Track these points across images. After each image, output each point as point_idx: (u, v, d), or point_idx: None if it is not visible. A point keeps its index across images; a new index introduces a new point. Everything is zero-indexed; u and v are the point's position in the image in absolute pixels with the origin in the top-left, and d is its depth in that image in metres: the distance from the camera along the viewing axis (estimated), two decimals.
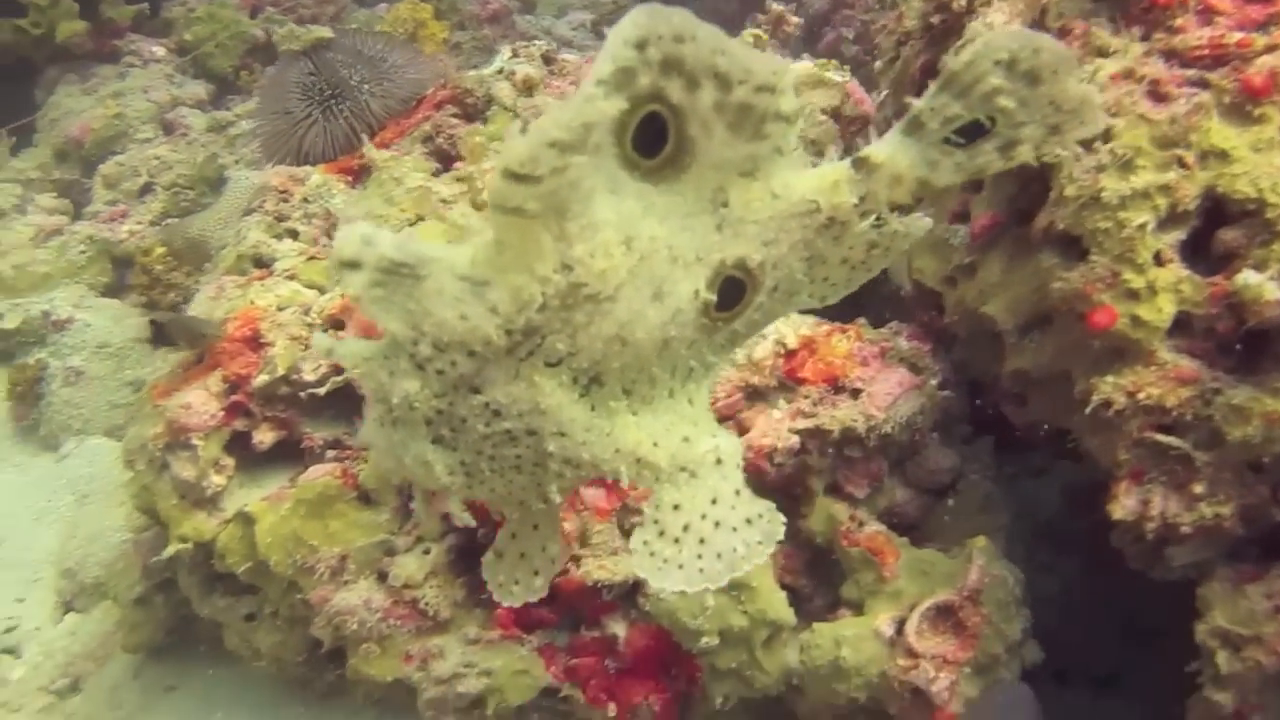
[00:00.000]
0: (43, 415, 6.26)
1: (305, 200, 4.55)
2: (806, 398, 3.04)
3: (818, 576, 3.19)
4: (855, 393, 3.03)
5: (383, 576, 3.26)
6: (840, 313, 3.25)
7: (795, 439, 2.99)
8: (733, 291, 1.74)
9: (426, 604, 3.19)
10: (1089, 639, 3.42)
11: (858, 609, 2.99)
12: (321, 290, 3.92)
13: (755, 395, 3.06)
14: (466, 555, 3.25)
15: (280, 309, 3.71)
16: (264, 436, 3.57)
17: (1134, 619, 3.46)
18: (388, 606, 3.20)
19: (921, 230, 1.86)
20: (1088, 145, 2.35)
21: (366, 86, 4.90)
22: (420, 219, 4.01)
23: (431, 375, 1.69)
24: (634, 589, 3.08)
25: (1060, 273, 2.46)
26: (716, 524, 1.78)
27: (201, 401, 3.48)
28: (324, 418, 3.63)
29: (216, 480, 3.48)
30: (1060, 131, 1.75)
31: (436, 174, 4.41)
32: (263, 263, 4.33)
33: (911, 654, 2.78)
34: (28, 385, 6.23)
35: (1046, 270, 2.52)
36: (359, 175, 4.66)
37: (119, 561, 4.34)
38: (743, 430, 3.02)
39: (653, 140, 1.57)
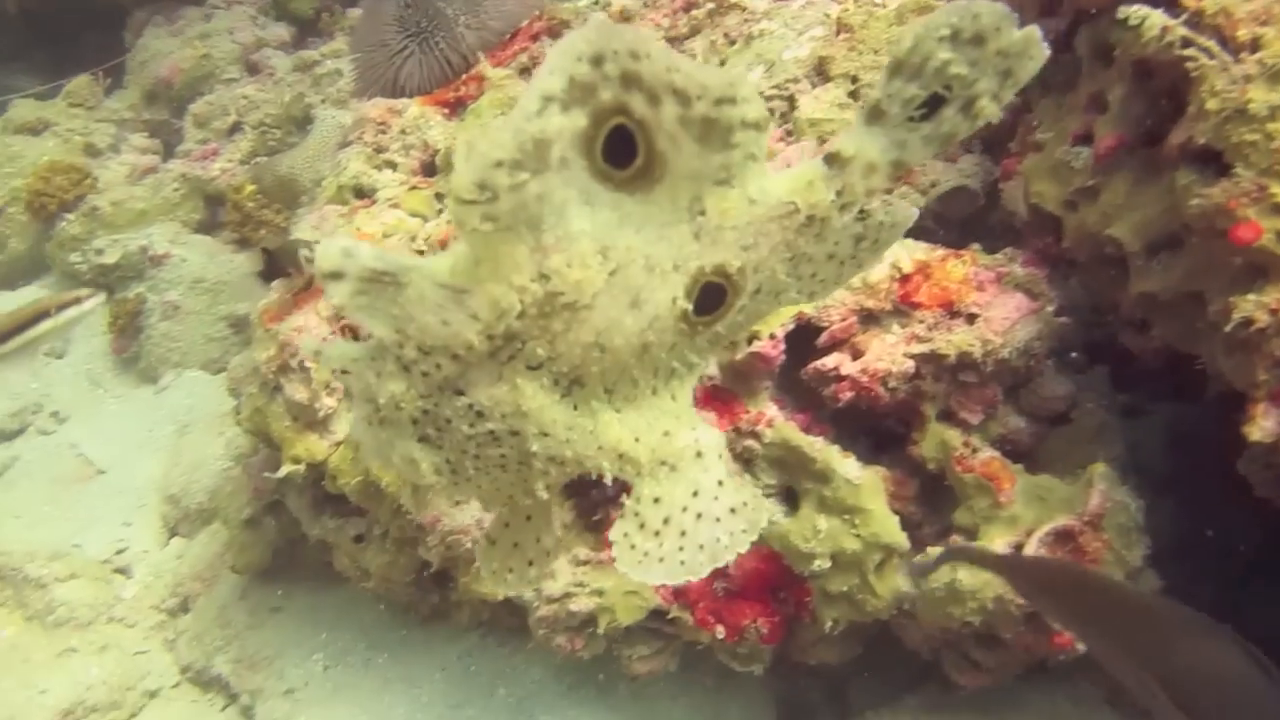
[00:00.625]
0: (142, 348, 6.41)
1: (403, 132, 4.58)
2: (921, 322, 3.01)
3: (928, 504, 3.17)
4: (971, 318, 3.00)
5: None
6: (951, 242, 3.24)
7: (910, 364, 2.97)
8: (713, 296, 1.75)
9: None
10: (1188, 582, 3.39)
11: (971, 535, 2.97)
12: (425, 219, 3.95)
13: (870, 319, 3.04)
14: (578, 479, 3.27)
15: (386, 235, 3.75)
16: None
17: (1235, 562, 3.41)
18: None
19: (908, 219, 1.87)
20: (1233, 53, 2.28)
21: (462, 19, 4.89)
22: None
23: (417, 377, 1.73)
24: None
25: (1198, 190, 2.39)
26: (698, 515, 1.82)
27: (314, 325, 3.53)
28: None
29: (328, 402, 3.54)
30: (1012, 74, 1.72)
31: None
32: (363, 193, 4.37)
33: None
34: (128, 319, 6.38)
35: (1182, 188, 2.45)
36: (455, 107, 4.68)
37: (227, 486, 4.45)
38: (856, 354, 3.01)
39: (624, 152, 1.59)
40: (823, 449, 2.98)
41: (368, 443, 1.85)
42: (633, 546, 1.79)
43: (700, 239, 1.70)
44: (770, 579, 3.10)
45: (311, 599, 4.47)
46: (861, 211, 1.81)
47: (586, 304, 1.66)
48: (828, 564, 2.98)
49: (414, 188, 4.21)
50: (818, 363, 3.02)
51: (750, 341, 3.04)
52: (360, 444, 1.84)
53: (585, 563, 3.20)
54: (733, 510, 1.80)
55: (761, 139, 1.65)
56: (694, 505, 1.80)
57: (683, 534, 1.79)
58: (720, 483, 1.80)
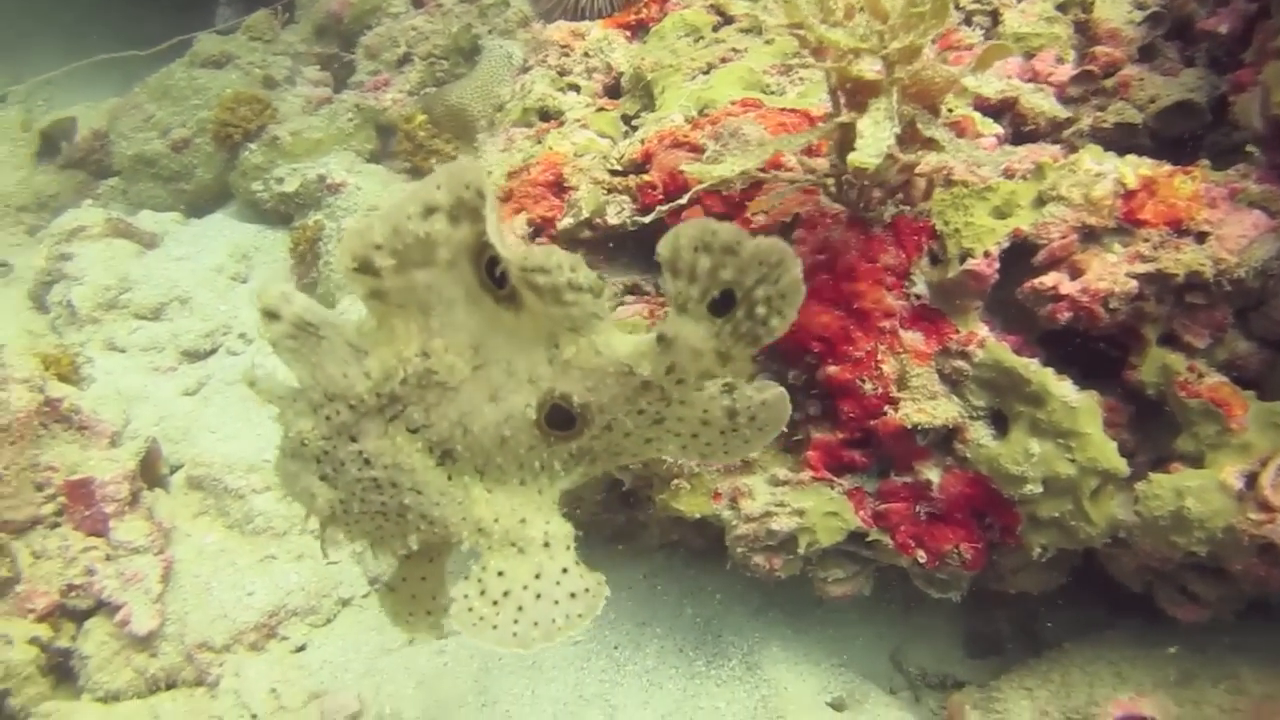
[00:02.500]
0: (320, 275, 6.59)
1: (586, 55, 4.57)
2: (1146, 240, 2.86)
3: (1141, 431, 3.04)
4: (1201, 236, 2.83)
5: None
6: (1171, 162, 3.06)
7: (1133, 284, 2.83)
8: (568, 418, 2.08)
9: None
10: None
11: (1195, 462, 2.83)
12: (613, 140, 3.94)
13: (1090, 237, 2.90)
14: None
15: (578, 154, 3.75)
16: None
17: None
18: None
19: (781, 398, 2.16)
20: None
21: None
22: (711, 67, 3.95)
23: (321, 420, 2.06)
24: (951, 434, 3.02)
25: None
26: (538, 595, 2.08)
27: (509, 239, 3.56)
28: (619, 263, 3.67)
29: None
30: (777, 281, 1.96)
31: (716, 28, 4.33)
32: (548, 115, 4.39)
33: (1267, 508, 2.63)
34: (308, 245, 6.57)
35: None
36: (637, 30, 4.64)
37: None
38: (1076, 273, 2.88)
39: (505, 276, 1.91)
40: (1038, 371, 2.88)
41: (280, 470, 2.18)
42: (470, 609, 2.10)
43: (553, 366, 2.04)
44: (976, 503, 3.02)
45: None
46: (727, 385, 2.13)
47: (454, 386, 2.02)
48: (1039, 489, 2.89)
49: (600, 109, 4.20)
50: (1035, 281, 2.91)
51: (963, 259, 2.95)
52: (277, 472, 2.17)
53: (784, 483, 3.18)
54: (573, 595, 2.07)
55: (600, 302, 1.97)
56: (534, 586, 2.09)
57: (520, 608, 2.07)
58: (565, 570, 2.10)
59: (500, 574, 2.12)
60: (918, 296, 3.04)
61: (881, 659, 3.65)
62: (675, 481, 3.26)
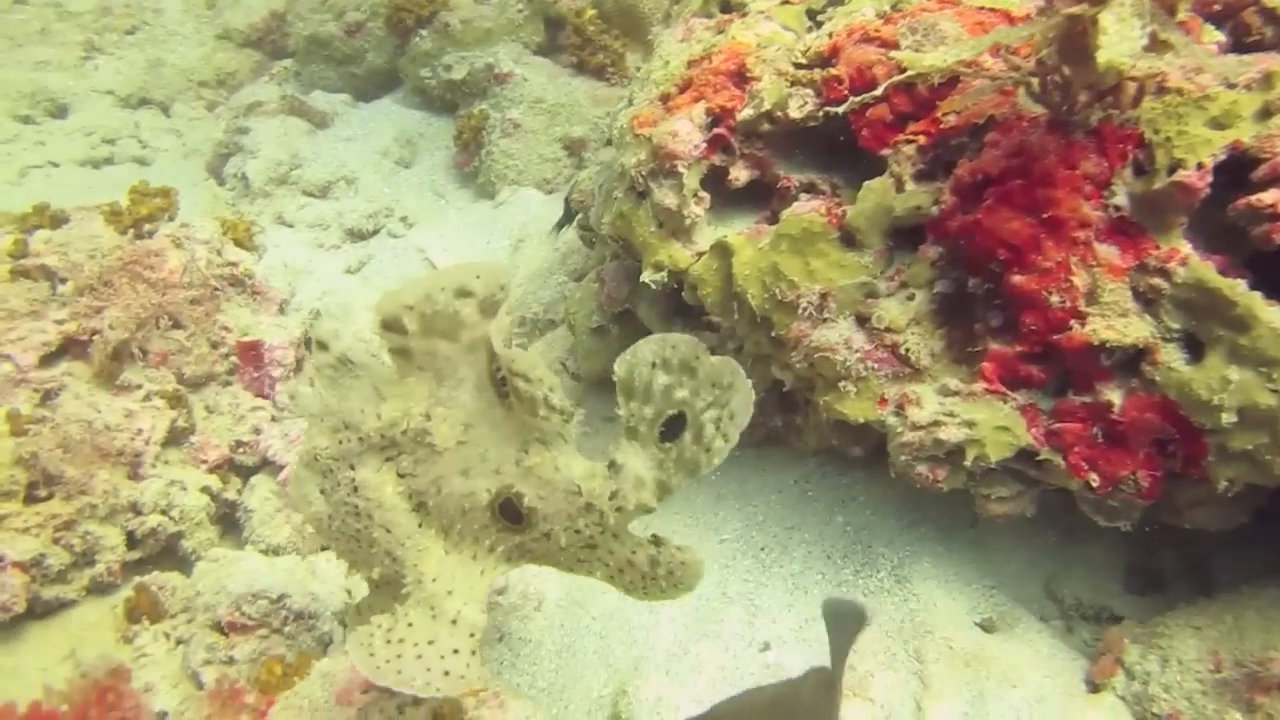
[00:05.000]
0: (482, 164, 6.65)
1: None
2: None
3: None
4: None
5: (862, 319, 3.22)
6: None
7: None
8: (519, 514, 2.38)
9: (907, 350, 3.12)
10: None
11: None
12: (797, 34, 3.81)
13: None
14: (951, 305, 3.14)
15: (762, 46, 3.64)
16: (739, 174, 3.56)
17: None
18: (867, 349, 3.17)
19: (698, 564, 2.44)
20: None
21: None
22: None
23: (335, 442, 2.38)
24: (1139, 355, 2.87)
25: None
26: (419, 656, 2.35)
27: (687, 130, 3.50)
28: (795, 160, 3.57)
29: (695, 211, 3.53)
30: (726, 404, 2.20)
31: None
32: (729, 7, 4.27)
33: None
34: (472, 134, 6.61)
35: None
36: None
37: (578, 291, 4.56)
38: None
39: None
40: (1245, 293, 2.69)
41: (292, 473, 2.49)
42: (372, 635, 2.38)
43: (518, 467, 2.33)
44: (1160, 429, 2.88)
45: None
46: (655, 538, 2.43)
47: (439, 451, 2.33)
48: (1234, 419, 2.73)
49: (785, 2, 4.06)
50: (1252, 198, 2.71)
51: (1172, 171, 2.77)
52: (290, 475, 2.45)
53: (954, 393, 3.08)
54: (446, 672, 2.32)
55: (568, 427, 2.27)
56: (424, 648, 2.35)
57: (399, 655, 2.33)
58: (455, 650, 2.35)
59: (410, 625, 2.41)
60: (1117, 208, 2.88)
61: (1034, 585, 3.54)
62: (842, 384, 3.19)
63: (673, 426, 2.29)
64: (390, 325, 2.20)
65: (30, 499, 3.69)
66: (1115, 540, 3.34)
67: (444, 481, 2.38)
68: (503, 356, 2.15)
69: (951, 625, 3.30)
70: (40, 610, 3.73)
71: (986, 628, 3.36)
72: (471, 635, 2.41)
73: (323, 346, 2.34)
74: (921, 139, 3.17)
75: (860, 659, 3.29)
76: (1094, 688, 3.11)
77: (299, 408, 2.50)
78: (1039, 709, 2.97)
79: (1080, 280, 2.87)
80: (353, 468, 2.41)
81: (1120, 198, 2.88)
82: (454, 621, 2.41)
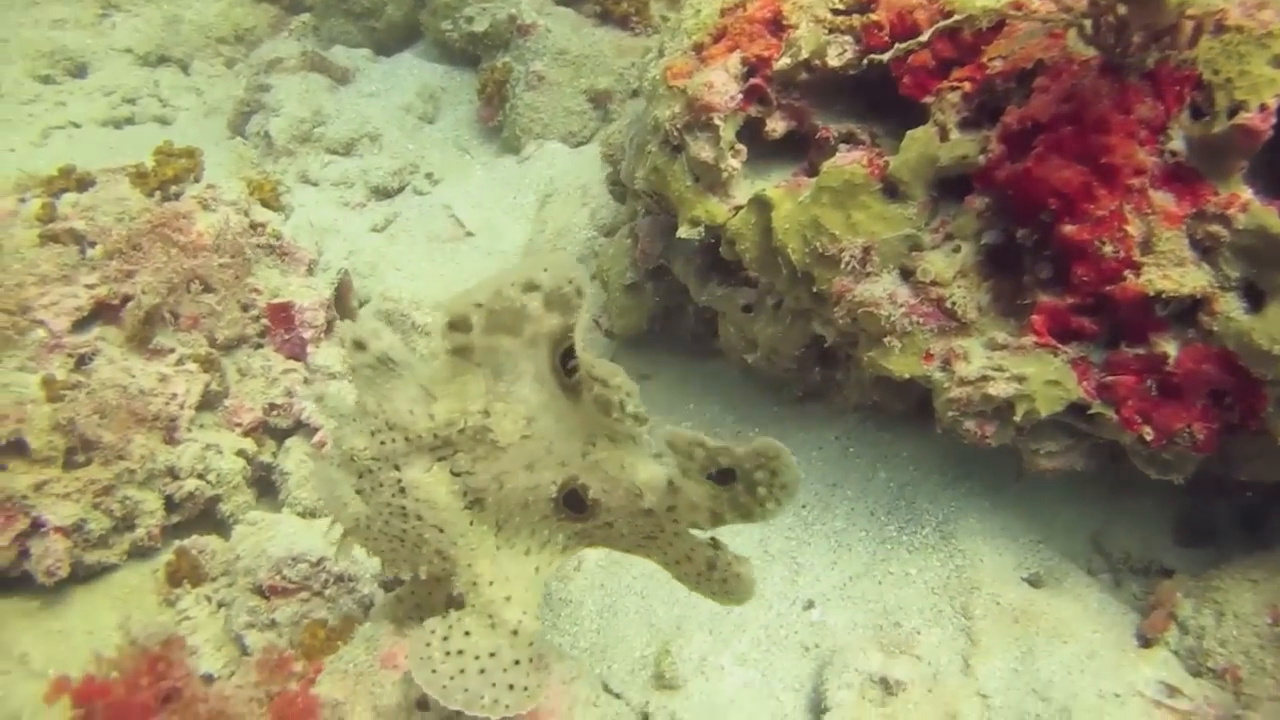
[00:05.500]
0: (506, 118, 6.56)
1: None
2: None
3: None
4: None
5: (906, 273, 3.14)
6: None
7: None
8: (582, 503, 2.35)
9: (953, 303, 3.05)
10: None
11: None
12: None
13: None
14: (998, 258, 3.06)
15: None
16: (776, 126, 3.47)
17: None
18: (912, 303, 3.10)
19: (749, 576, 2.43)
20: None
21: None
22: None
23: (375, 443, 2.35)
24: (1196, 305, 2.80)
25: None
26: (481, 670, 2.37)
27: (722, 81, 3.41)
28: (834, 110, 3.48)
29: (732, 164, 3.45)
30: (775, 473, 2.18)
31: None
32: None
33: None
34: (496, 87, 6.52)
35: None
36: None
37: (610, 247, 4.50)
38: None
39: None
40: None
41: (320, 476, 2.48)
42: (428, 644, 2.40)
43: (584, 460, 2.31)
44: (1217, 381, 2.81)
45: (680, 369, 4.54)
46: (714, 542, 2.42)
47: (502, 446, 2.31)
48: None
49: None
50: None
51: (1233, 113, 2.68)
52: (316, 474, 2.48)
53: (1003, 347, 3.02)
54: (510, 686, 2.35)
55: (639, 429, 2.22)
56: (486, 661, 2.37)
57: (462, 671, 2.35)
58: (516, 662, 2.38)
59: (467, 634, 2.41)
60: (1173, 153, 2.79)
61: (1082, 539, 3.49)
62: (886, 339, 3.13)
63: (722, 478, 2.32)
64: (457, 325, 2.19)
65: (69, 465, 3.68)
66: (1164, 492, 3.28)
67: (507, 477, 2.35)
68: (583, 361, 2.14)
69: (998, 581, 3.27)
70: (83, 574, 3.73)
71: (1034, 583, 3.32)
72: (530, 645, 2.41)
73: (360, 346, 2.31)
74: (966, 86, 3.08)
75: (906, 616, 3.26)
76: (1146, 642, 3.07)
77: (328, 409, 2.49)
78: (1090, 664, 2.94)
79: (1135, 229, 2.80)
80: (398, 468, 2.38)
81: (1177, 142, 2.79)
82: (515, 632, 2.41)
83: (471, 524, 2.43)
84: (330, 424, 2.53)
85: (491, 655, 2.39)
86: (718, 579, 2.47)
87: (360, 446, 2.39)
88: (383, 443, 2.36)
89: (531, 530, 2.46)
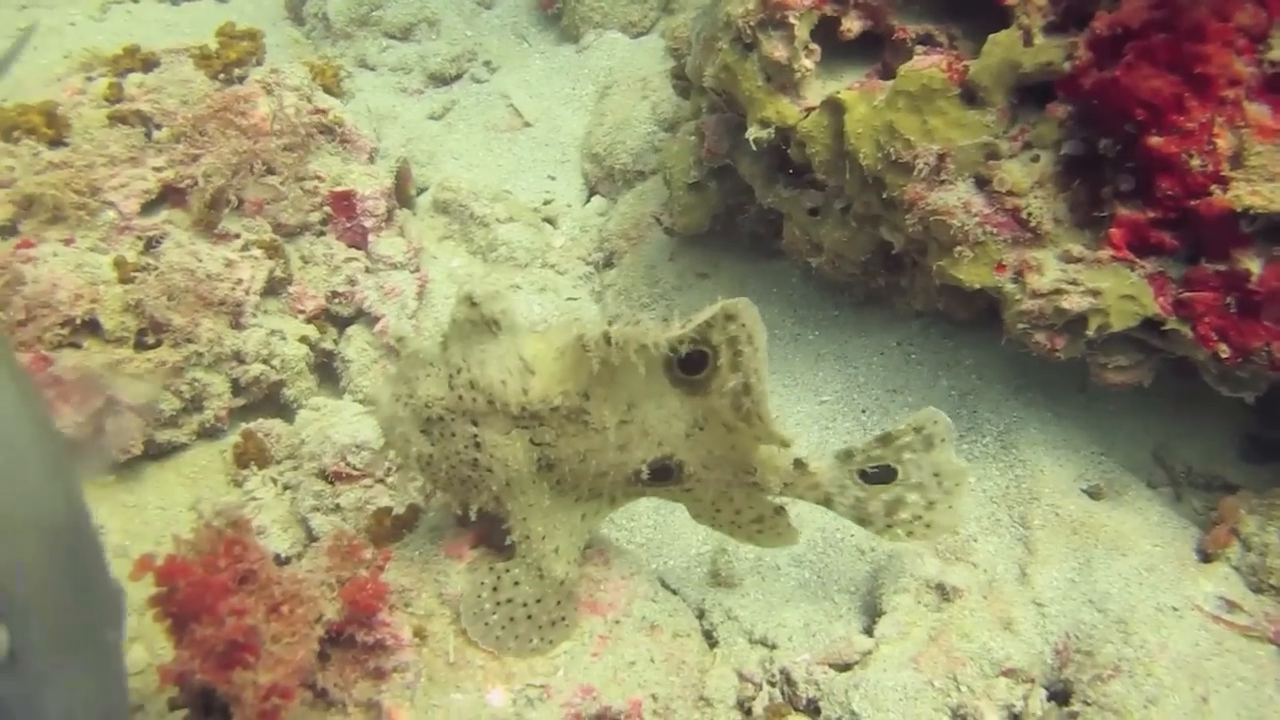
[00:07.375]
0: (565, 5, 6.44)
1: None
2: None
3: None
4: None
5: (982, 182, 3.08)
6: None
7: None
8: (667, 471, 2.56)
9: (1029, 214, 3.00)
10: None
11: None
12: None
13: None
14: (1078, 168, 2.99)
15: None
16: (851, 25, 3.37)
17: None
18: (987, 212, 3.05)
19: (792, 542, 2.86)
20: None
21: None
22: None
23: (455, 396, 2.44)
24: None
25: None
26: (529, 616, 2.61)
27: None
28: (911, 11, 3.38)
29: (805, 64, 3.37)
30: (934, 503, 2.68)
31: None
32: None
33: None
34: None
35: None
36: None
37: (674, 144, 4.44)
38: None
39: (695, 365, 2.35)
40: None
41: (387, 408, 2.54)
42: (479, 593, 2.62)
43: (687, 439, 2.51)
44: None
45: (740, 269, 4.51)
46: (779, 509, 2.77)
47: (596, 429, 2.44)
48: None
49: None
50: None
51: None
52: (379, 402, 2.56)
53: (1078, 260, 2.97)
54: (553, 623, 2.62)
55: (773, 440, 2.51)
56: (533, 608, 2.61)
57: (511, 619, 2.60)
58: (559, 603, 2.63)
59: (516, 584, 2.62)
60: (1273, 63, 2.70)
61: (1144, 453, 3.48)
62: (958, 249, 3.08)
63: (876, 475, 2.68)
64: (605, 345, 2.30)
65: (140, 345, 3.75)
66: (1228, 409, 3.26)
67: (594, 454, 2.48)
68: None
69: (1058, 492, 3.27)
70: (154, 452, 3.83)
71: (1094, 495, 3.32)
72: (572, 594, 2.67)
73: (472, 304, 2.37)
74: None
75: (963, 523, 3.28)
76: (1206, 557, 3.07)
77: (407, 355, 2.55)
78: (1149, 577, 2.95)
79: (1225, 143, 2.72)
80: (475, 424, 2.47)
81: (1278, 51, 2.69)
82: (561, 582, 2.63)
83: (534, 480, 2.55)
84: (401, 363, 2.57)
85: (538, 602, 2.61)
86: (767, 529, 2.79)
87: (437, 395, 2.47)
88: (461, 398, 2.44)
89: (593, 492, 2.62)
